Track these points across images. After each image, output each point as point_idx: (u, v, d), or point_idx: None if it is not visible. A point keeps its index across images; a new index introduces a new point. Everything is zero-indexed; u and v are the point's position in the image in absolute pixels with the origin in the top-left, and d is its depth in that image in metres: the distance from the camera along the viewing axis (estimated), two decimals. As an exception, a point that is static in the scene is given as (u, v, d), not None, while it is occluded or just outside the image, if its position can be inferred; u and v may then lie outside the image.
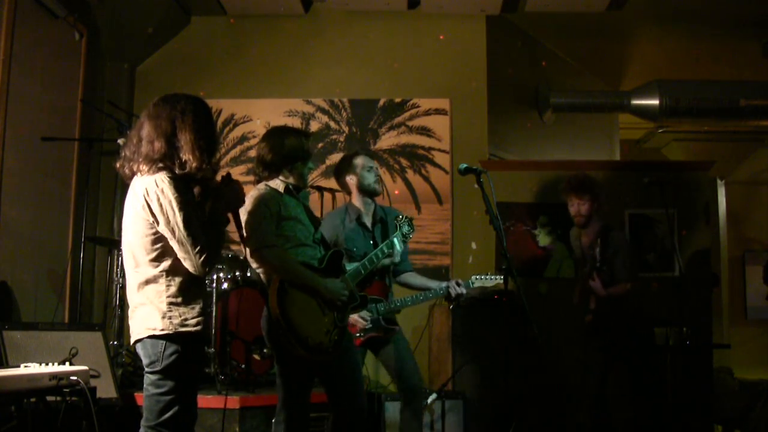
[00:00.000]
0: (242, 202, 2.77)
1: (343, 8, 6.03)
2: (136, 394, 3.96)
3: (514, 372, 3.55)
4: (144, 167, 2.54)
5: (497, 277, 3.72)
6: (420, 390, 3.74)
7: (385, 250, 3.53)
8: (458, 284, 3.70)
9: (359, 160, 3.78)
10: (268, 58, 6.09)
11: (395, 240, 3.55)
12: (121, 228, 2.67)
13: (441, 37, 5.98)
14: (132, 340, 2.59)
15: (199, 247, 2.49)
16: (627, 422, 4.42)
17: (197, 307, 2.58)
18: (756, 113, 6.51)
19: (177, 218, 2.47)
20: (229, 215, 2.77)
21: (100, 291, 5.47)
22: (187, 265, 2.51)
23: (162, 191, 2.47)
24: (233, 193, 2.69)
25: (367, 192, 3.76)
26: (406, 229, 3.59)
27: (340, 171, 3.84)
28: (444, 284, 3.72)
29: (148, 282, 2.52)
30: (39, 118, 4.80)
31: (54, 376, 2.75)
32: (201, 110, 2.63)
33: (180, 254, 2.50)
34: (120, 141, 4.31)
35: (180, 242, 2.48)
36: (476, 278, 3.75)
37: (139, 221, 2.52)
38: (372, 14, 6.07)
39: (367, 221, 3.76)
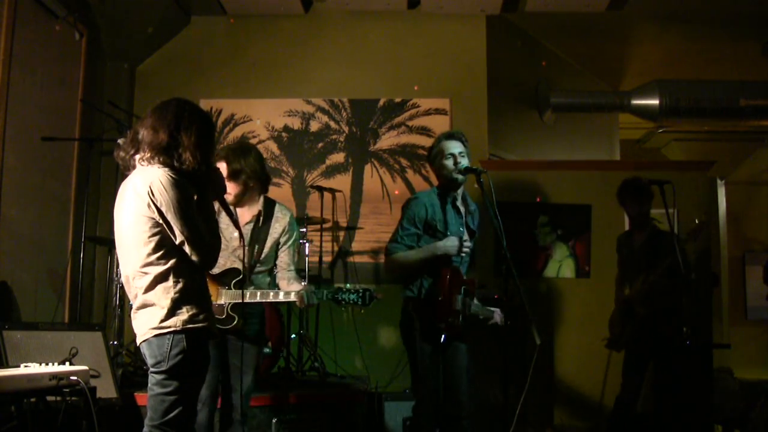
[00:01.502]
0: (224, 189, 2.82)
1: (343, 8, 6.03)
2: (136, 394, 3.96)
3: (514, 372, 3.54)
4: (147, 154, 2.57)
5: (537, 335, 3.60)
6: (456, 417, 3.52)
7: (292, 297, 3.23)
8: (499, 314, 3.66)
9: (439, 147, 3.55)
10: (268, 58, 6.09)
11: (313, 296, 3.23)
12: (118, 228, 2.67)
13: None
14: (138, 341, 2.58)
15: (206, 242, 2.56)
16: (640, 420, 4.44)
17: (204, 303, 2.61)
18: (756, 113, 6.51)
19: (185, 216, 2.50)
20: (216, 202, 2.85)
21: (100, 291, 5.47)
22: (196, 259, 2.54)
23: (167, 189, 2.49)
24: (216, 180, 2.75)
25: (447, 181, 3.53)
26: (346, 297, 3.23)
27: (428, 160, 3.66)
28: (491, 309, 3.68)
29: (156, 281, 2.52)
30: (39, 118, 4.80)
31: (54, 376, 2.75)
32: (207, 121, 2.69)
33: (189, 249, 2.52)
34: (120, 141, 4.32)
35: (189, 238, 2.51)
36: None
37: (144, 220, 2.51)
38: (372, 14, 6.07)
39: (460, 206, 3.59)
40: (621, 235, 4.76)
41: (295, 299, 3.22)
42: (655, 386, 4.30)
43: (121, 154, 2.65)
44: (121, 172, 2.78)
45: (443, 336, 3.39)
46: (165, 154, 2.55)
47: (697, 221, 4.44)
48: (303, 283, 3.46)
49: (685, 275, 4.00)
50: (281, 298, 3.26)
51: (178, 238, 2.51)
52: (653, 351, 4.31)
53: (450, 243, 3.43)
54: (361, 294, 3.23)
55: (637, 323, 4.32)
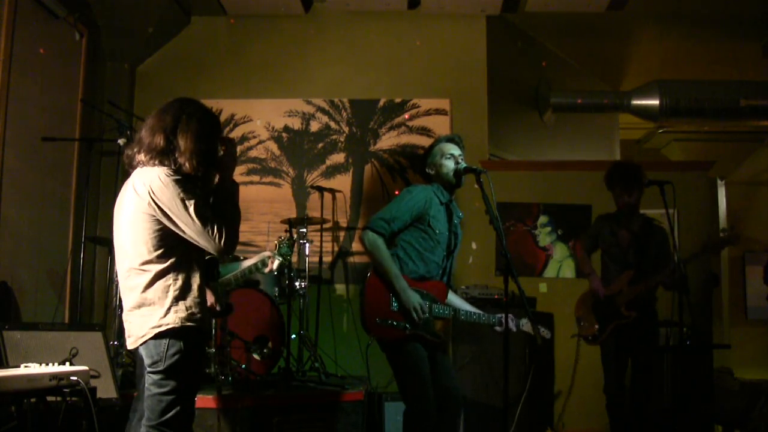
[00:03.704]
0: (236, 161, 2.78)
1: (343, 8, 6.03)
2: (136, 394, 3.95)
3: (514, 372, 3.53)
4: (144, 157, 2.57)
5: (545, 330, 3.54)
6: (455, 413, 3.48)
7: (259, 267, 3.54)
8: (511, 320, 3.46)
9: (439, 147, 3.55)
10: (268, 58, 6.09)
11: (277, 261, 3.60)
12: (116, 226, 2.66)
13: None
14: (133, 341, 2.56)
15: (216, 230, 2.52)
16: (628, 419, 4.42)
17: (202, 303, 2.60)
18: (756, 113, 6.51)
19: (188, 210, 2.49)
20: None
21: (100, 291, 5.48)
22: (210, 249, 2.55)
23: (167, 186, 2.49)
24: (231, 156, 2.70)
25: (443, 181, 3.51)
26: (284, 250, 3.66)
27: (422, 163, 3.63)
28: (499, 316, 3.49)
29: (156, 279, 2.52)
30: (39, 118, 4.80)
31: (54, 376, 2.74)
32: (208, 120, 2.65)
33: (200, 243, 2.53)
34: (120, 141, 4.33)
35: (196, 232, 2.50)
36: (526, 322, 3.50)
37: (145, 218, 2.51)
38: (372, 14, 6.07)
39: (452, 207, 3.56)
40: (602, 217, 4.56)
41: (262, 268, 3.58)
42: (636, 386, 4.24)
43: (128, 152, 2.66)
44: (121, 172, 2.78)
45: (371, 337, 3.38)
46: (162, 157, 2.55)
47: (723, 234, 4.28)
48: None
49: (679, 273, 3.96)
50: (253, 270, 3.58)
51: (187, 234, 2.51)
52: (631, 349, 4.25)
53: (415, 300, 3.32)
54: (287, 243, 3.75)
55: (621, 324, 4.24)
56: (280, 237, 3.73)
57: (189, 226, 2.50)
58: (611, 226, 4.46)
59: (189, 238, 2.52)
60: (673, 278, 4.12)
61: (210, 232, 2.51)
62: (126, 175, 2.70)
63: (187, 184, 2.53)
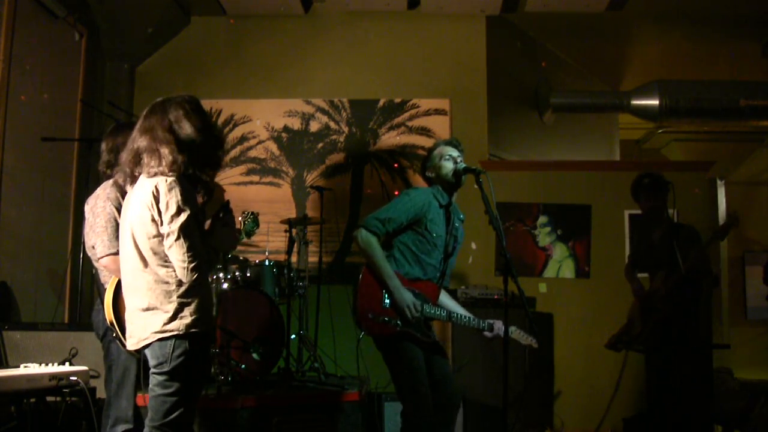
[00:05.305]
0: (234, 246, 2.77)
1: (343, 8, 6.03)
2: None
3: (513, 372, 3.53)
4: (152, 170, 2.54)
5: (532, 339, 3.55)
6: (452, 407, 3.49)
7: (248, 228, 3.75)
8: (499, 327, 3.50)
9: (438, 150, 3.58)
10: (268, 58, 6.10)
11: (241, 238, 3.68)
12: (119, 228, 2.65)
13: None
14: (135, 342, 2.55)
15: (191, 257, 2.48)
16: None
17: (206, 307, 2.58)
18: (756, 113, 6.50)
19: (178, 221, 2.46)
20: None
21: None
22: (177, 269, 2.49)
23: (168, 192, 2.47)
24: (227, 233, 2.70)
25: (443, 182, 3.52)
26: (249, 226, 3.67)
27: (422, 167, 3.66)
28: (490, 321, 3.53)
29: (157, 282, 2.51)
30: (39, 118, 4.80)
31: (54, 376, 2.75)
32: (194, 110, 2.63)
33: (171, 256, 2.49)
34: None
35: (173, 246, 2.47)
36: (515, 330, 3.50)
37: (149, 221, 2.50)
38: (372, 14, 6.07)
39: (452, 213, 3.56)
40: (637, 226, 4.68)
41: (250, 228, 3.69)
42: (659, 386, 4.27)
43: (126, 157, 2.65)
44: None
45: (361, 332, 3.37)
46: (171, 166, 2.52)
47: (724, 220, 4.39)
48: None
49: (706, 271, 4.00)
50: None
51: (165, 243, 2.48)
52: (674, 351, 4.27)
53: (408, 298, 3.32)
54: (251, 218, 3.70)
55: (657, 322, 4.28)
56: (244, 212, 3.66)
57: (170, 237, 2.46)
58: (642, 233, 4.57)
59: (165, 248, 2.49)
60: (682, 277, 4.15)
61: (186, 253, 2.47)
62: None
63: (189, 195, 2.51)
